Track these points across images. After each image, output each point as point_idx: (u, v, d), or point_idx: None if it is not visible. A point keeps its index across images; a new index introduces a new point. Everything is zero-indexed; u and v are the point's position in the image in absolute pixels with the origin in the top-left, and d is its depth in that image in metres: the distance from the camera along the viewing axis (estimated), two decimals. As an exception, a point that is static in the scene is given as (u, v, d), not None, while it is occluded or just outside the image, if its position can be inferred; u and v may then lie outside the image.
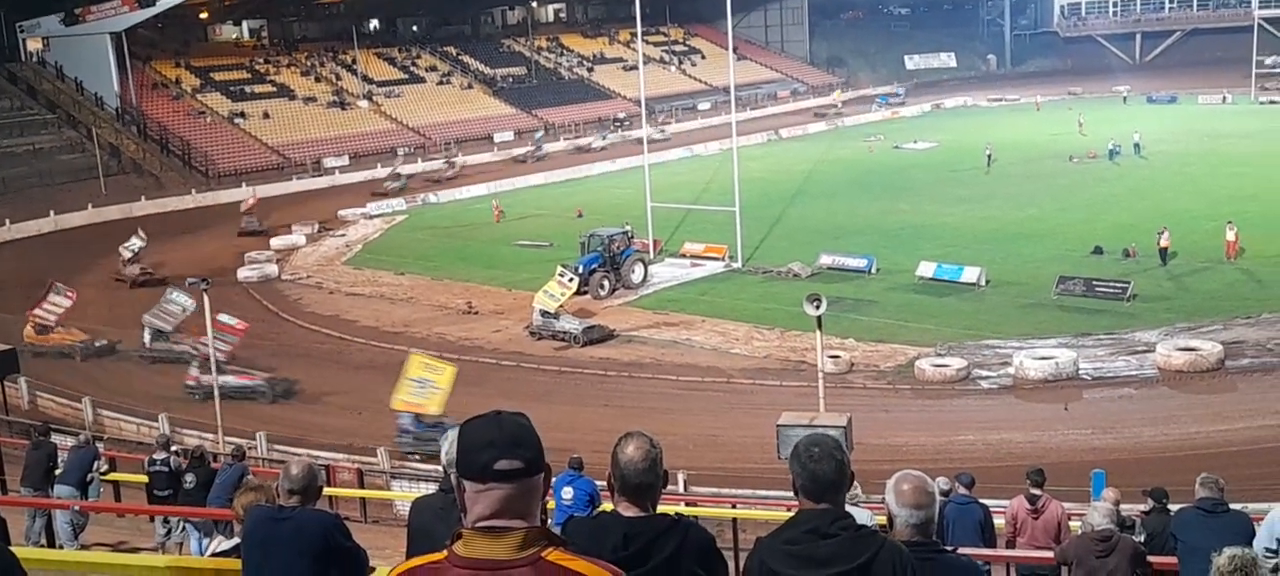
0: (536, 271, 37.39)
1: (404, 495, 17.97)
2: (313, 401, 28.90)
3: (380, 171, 66.48)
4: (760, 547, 3.53)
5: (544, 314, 32.72)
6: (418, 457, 22.42)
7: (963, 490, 10.75)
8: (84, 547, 12.85)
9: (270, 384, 29.26)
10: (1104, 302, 32.20)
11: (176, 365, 30.84)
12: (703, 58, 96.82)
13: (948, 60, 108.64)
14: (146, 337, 31.97)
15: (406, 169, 65.00)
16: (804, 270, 37.47)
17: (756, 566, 3.51)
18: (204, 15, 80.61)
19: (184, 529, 13.45)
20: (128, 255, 42.69)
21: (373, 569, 5.53)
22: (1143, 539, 9.37)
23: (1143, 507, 10.95)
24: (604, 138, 74.84)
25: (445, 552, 2.61)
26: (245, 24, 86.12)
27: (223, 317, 28.73)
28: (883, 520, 4.17)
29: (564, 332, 32.20)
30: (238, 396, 27.81)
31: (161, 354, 31.78)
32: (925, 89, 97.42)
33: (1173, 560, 8.30)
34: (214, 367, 25.20)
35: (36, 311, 33.24)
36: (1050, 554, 9.43)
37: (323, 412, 27.76)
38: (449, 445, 4.70)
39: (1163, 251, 35.70)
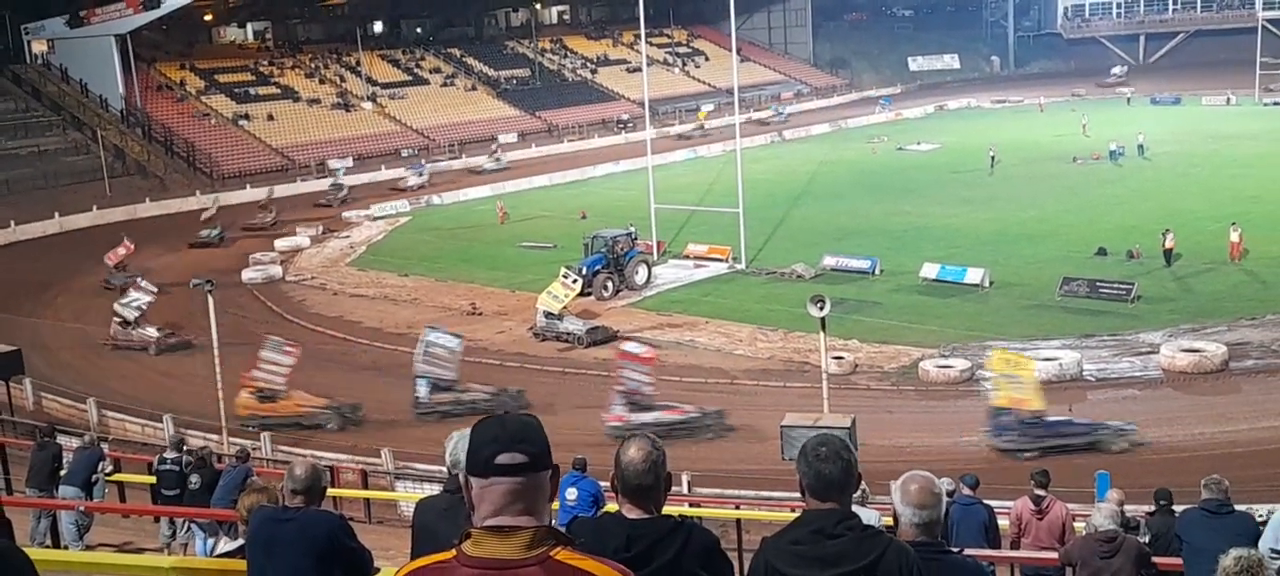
0: (540, 273, 37.40)
1: (408, 496, 17.97)
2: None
3: (385, 173, 66.64)
4: (766, 548, 3.53)
5: (548, 315, 32.73)
6: (1030, 454, 21.24)
7: (967, 491, 10.75)
8: (89, 548, 12.86)
9: (705, 414, 25.14)
10: (1108, 304, 32.15)
11: (473, 415, 26.31)
12: (706, 59, 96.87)
13: (951, 61, 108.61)
14: (423, 391, 26.93)
15: (225, 198, 57.84)
16: (807, 271, 37.44)
17: (762, 567, 3.50)
18: (208, 17, 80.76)
19: (188, 529, 13.47)
20: (132, 315, 34.36)
21: (378, 569, 5.53)
22: (1147, 540, 9.36)
23: (1147, 508, 10.94)
24: (497, 160, 68.91)
25: (454, 551, 2.62)
26: (249, 26, 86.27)
27: (629, 347, 25.59)
28: (889, 520, 4.17)
29: (568, 334, 32.20)
30: (675, 433, 23.59)
31: (450, 407, 26.36)
32: (929, 90, 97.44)
33: (1178, 561, 8.30)
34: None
35: (255, 374, 26.99)
36: (1055, 554, 9.43)
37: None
38: (453, 445, 4.70)
39: (1167, 253, 35.66)
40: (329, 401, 27.25)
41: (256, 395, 26.90)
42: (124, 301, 34.92)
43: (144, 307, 34.74)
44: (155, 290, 36.20)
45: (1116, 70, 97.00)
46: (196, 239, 49.18)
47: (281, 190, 61.46)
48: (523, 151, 73.17)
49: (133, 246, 43.41)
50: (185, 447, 14.93)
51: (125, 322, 34.34)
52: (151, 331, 34.11)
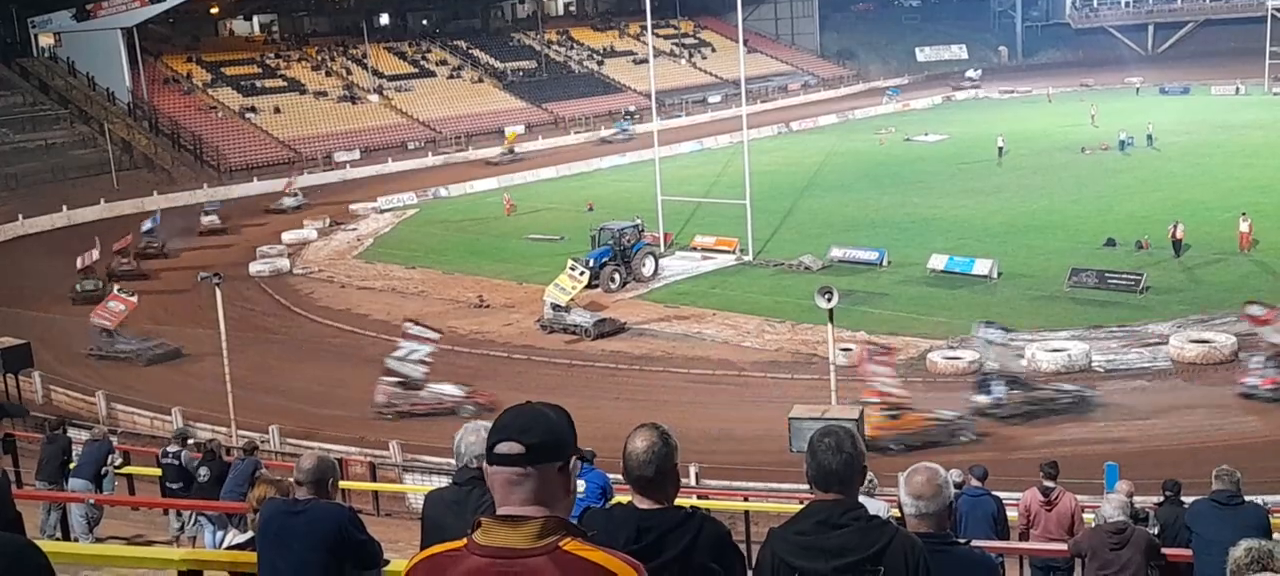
0: (547, 265, 37.43)
1: (416, 488, 18.02)
2: (325, 395, 28.93)
3: (392, 166, 66.70)
4: (772, 538, 3.54)
5: (555, 307, 32.74)
6: None
7: (976, 482, 10.73)
8: (99, 541, 12.91)
9: None
10: (1117, 295, 32.09)
11: (1053, 416, 23.81)
12: (713, 51, 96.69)
13: (959, 52, 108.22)
14: (1000, 392, 23.74)
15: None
16: (815, 263, 37.41)
17: (768, 557, 3.52)
18: (215, 10, 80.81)
19: (196, 522, 13.51)
20: (417, 372, 26.61)
21: (387, 561, 5.54)
22: (1156, 531, 9.34)
23: (1156, 499, 10.92)
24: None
25: (465, 540, 2.62)
26: (256, 19, 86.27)
27: (1254, 310, 24.46)
28: (897, 512, 4.17)
29: (575, 326, 32.22)
30: None
31: (1034, 407, 23.76)
32: (936, 81, 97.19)
33: (1187, 552, 8.27)
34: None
35: (881, 386, 23.37)
36: (1064, 546, 9.42)
37: (336, 405, 27.79)
38: (459, 438, 4.71)
39: (1176, 243, 35.58)
40: (930, 412, 23.61)
41: (888, 413, 23.01)
42: (399, 355, 26.78)
43: (429, 359, 26.84)
44: (437, 334, 28.15)
45: (971, 73, 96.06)
46: (76, 293, 38.76)
47: (284, 184, 61.54)
48: (529, 143, 73.10)
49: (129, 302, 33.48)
50: (188, 441, 14.95)
51: (406, 383, 26.65)
52: (450, 388, 26.62)
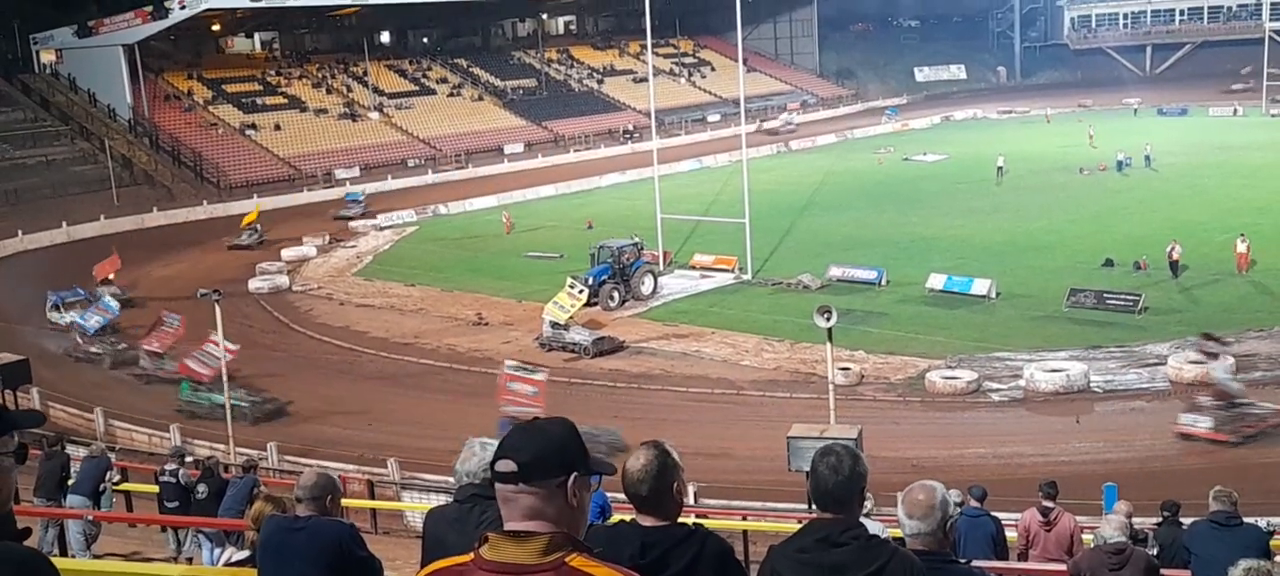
0: (546, 283, 37.43)
1: (414, 506, 18.00)
2: (323, 412, 28.92)
3: (391, 182, 66.76)
4: (773, 555, 3.58)
5: (554, 325, 32.75)
6: None
7: (975, 503, 10.72)
8: (97, 557, 12.88)
9: None
10: (1115, 315, 32.11)
11: None
12: (712, 70, 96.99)
13: (957, 72, 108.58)
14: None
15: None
16: (814, 282, 37.43)
17: (768, 574, 3.54)
18: (216, 27, 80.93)
19: (190, 540, 13.50)
20: None
21: (387, 578, 5.53)
22: (1156, 551, 9.34)
23: (1155, 520, 10.92)
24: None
25: (472, 555, 2.63)
26: (257, 36, 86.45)
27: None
28: (897, 532, 4.19)
29: (574, 344, 32.22)
30: None
31: None
32: (935, 101, 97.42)
33: (1186, 573, 8.28)
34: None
35: None
36: (1063, 566, 9.41)
37: (333, 423, 27.77)
38: (461, 456, 4.72)
39: (1174, 264, 35.62)
40: None
41: None
42: (1218, 371, 23.46)
43: (1234, 371, 23.99)
44: (1231, 340, 25.78)
45: (787, 115, 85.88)
46: (189, 404, 29.25)
47: (281, 201, 61.44)
48: (528, 161, 73.24)
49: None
50: (185, 459, 14.94)
51: (1230, 402, 23.48)
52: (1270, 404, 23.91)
